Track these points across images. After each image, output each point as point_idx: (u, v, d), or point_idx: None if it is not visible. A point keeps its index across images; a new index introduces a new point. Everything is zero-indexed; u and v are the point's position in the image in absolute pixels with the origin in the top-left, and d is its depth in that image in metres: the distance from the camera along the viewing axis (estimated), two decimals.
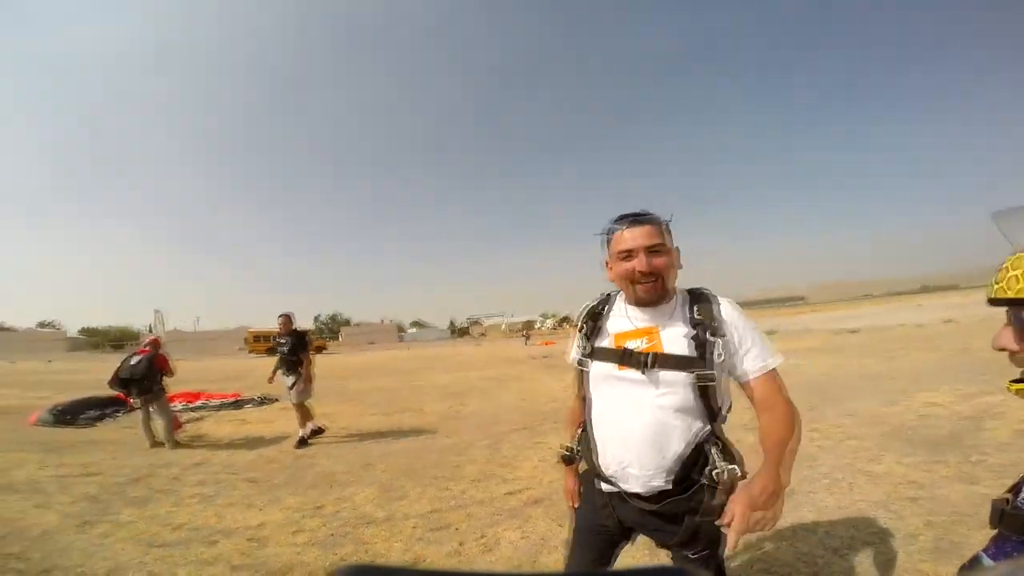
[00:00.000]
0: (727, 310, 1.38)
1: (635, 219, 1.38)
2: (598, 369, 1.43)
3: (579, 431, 1.57)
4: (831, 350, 13.01)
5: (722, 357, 1.32)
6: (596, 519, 1.49)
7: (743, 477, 1.31)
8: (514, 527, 3.23)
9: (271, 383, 6.61)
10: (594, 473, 1.44)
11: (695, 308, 1.37)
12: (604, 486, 1.43)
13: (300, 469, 4.90)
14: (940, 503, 3.09)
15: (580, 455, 1.55)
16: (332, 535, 3.21)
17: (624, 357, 1.36)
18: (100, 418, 8.27)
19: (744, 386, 1.37)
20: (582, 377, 1.50)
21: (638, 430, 1.33)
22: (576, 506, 1.62)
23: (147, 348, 6.45)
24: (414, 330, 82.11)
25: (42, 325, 69.46)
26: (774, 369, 1.36)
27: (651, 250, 1.34)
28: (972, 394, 5.92)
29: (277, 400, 9.99)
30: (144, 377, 6.08)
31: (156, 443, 6.07)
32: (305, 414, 6.13)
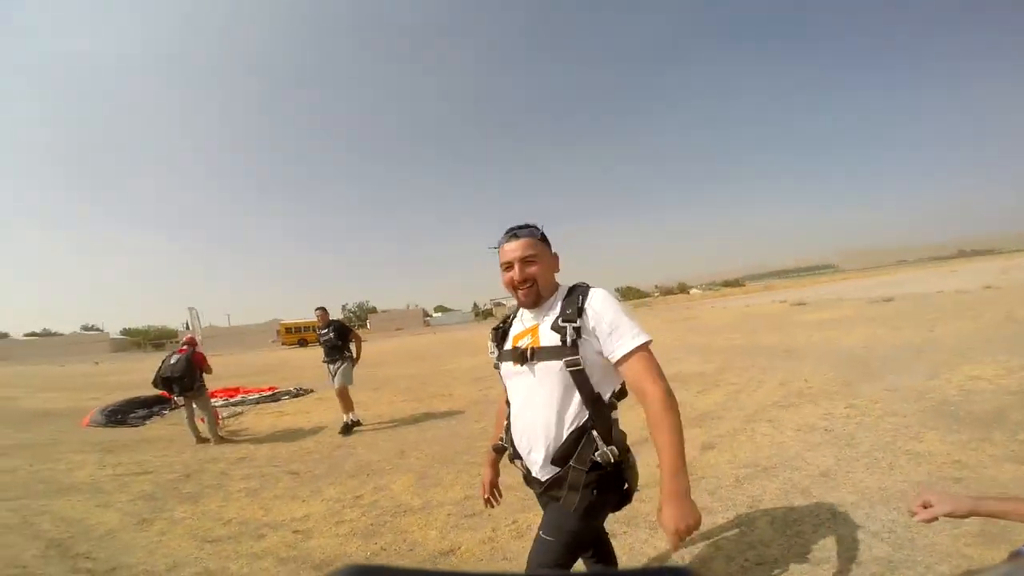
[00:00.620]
0: (592, 299, 1.49)
1: (513, 234, 1.58)
2: (505, 369, 1.63)
3: (505, 424, 1.70)
4: (865, 320, 12.65)
5: (585, 341, 1.44)
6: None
7: (621, 459, 1.45)
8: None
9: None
10: (515, 460, 1.62)
11: (565, 302, 1.52)
12: (525, 471, 1.59)
13: (339, 459, 5.06)
14: (986, 484, 3.01)
15: (505, 445, 1.69)
16: (372, 525, 3.33)
17: (515, 354, 1.55)
18: (148, 417, 8.63)
19: (618, 371, 1.46)
20: (500, 377, 1.70)
21: (531, 418, 1.52)
22: (488, 497, 1.91)
23: (184, 347, 6.68)
24: (439, 315, 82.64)
25: (85, 328, 72.35)
26: (641, 350, 1.41)
27: (525, 260, 1.54)
28: (1019, 367, 5.71)
29: (312, 391, 10.30)
30: (184, 375, 6.31)
31: (202, 439, 6.32)
32: (348, 401, 6.38)
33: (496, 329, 1.75)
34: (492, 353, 1.72)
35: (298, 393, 10.23)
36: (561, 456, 1.46)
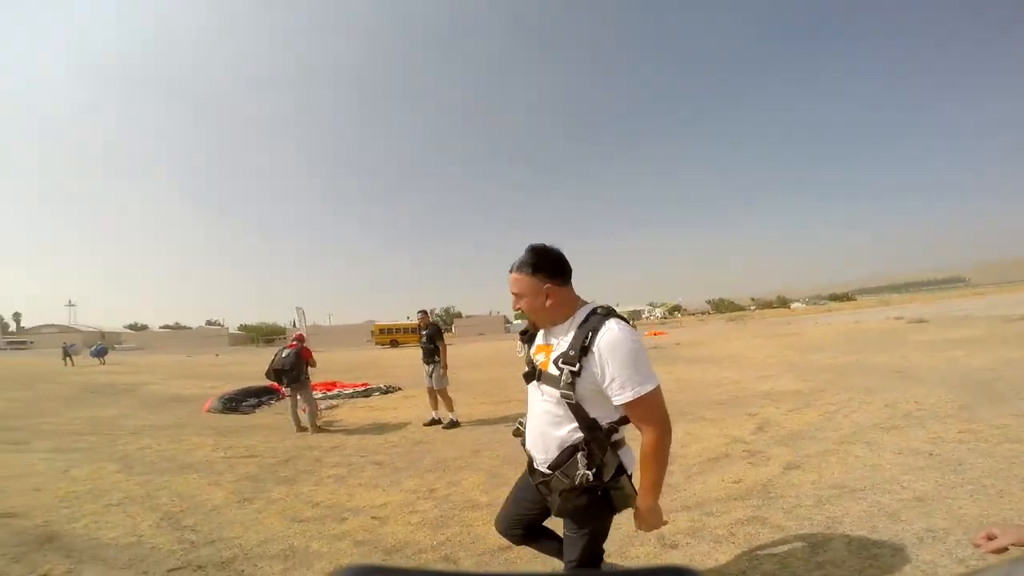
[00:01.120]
0: (600, 340, 1.53)
1: (512, 268, 1.71)
2: (526, 372, 1.81)
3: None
4: (997, 341, 11.19)
5: (581, 382, 1.55)
6: (528, 479, 1.89)
7: (603, 483, 1.58)
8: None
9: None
10: (524, 448, 1.87)
11: (575, 337, 1.58)
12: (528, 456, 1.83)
13: (419, 454, 5.31)
14: None
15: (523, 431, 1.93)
16: (441, 517, 3.48)
17: (528, 368, 1.78)
18: (258, 405, 9.52)
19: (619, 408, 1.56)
20: None
21: (535, 425, 1.76)
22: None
23: (294, 343, 7.31)
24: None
25: (209, 323, 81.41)
26: (640, 400, 1.48)
27: (514, 296, 1.72)
28: None
29: (400, 389, 10.84)
30: (292, 368, 6.88)
31: (301, 428, 6.88)
32: (448, 400, 6.79)
33: (523, 333, 1.92)
34: (520, 351, 1.98)
35: (387, 390, 10.83)
36: (554, 465, 1.65)
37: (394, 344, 44.94)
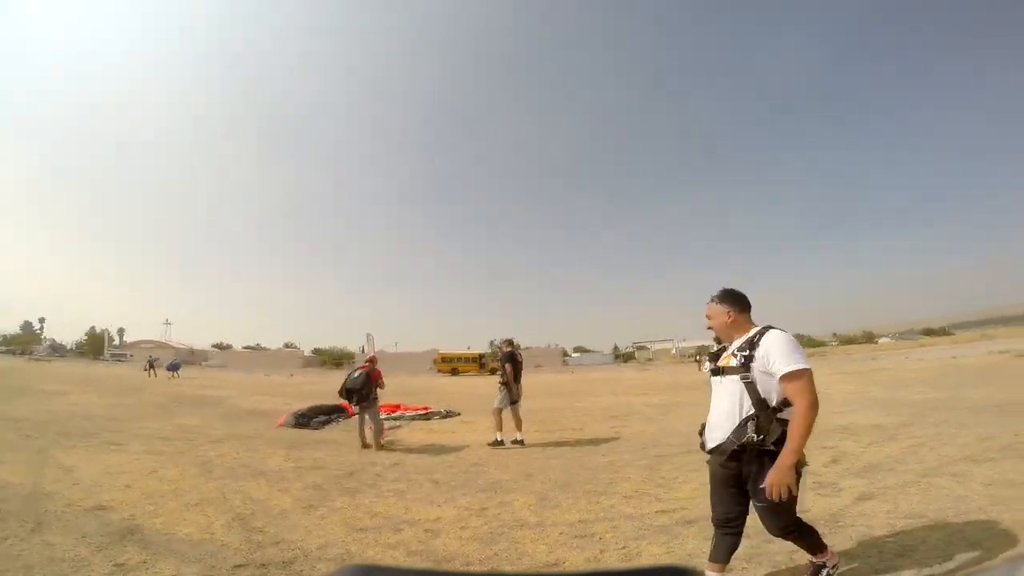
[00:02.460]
0: (764, 338, 2.24)
1: (710, 300, 2.53)
2: (712, 379, 2.47)
3: None
4: None
5: (755, 367, 2.19)
6: (709, 468, 2.50)
7: (761, 444, 2.15)
8: (660, 542, 3.19)
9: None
10: (701, 442, 2.50)
11: (747, 340, 2.30)
12: (703, 447, 2.46)
13: (473, 475, 5.36)
14: None
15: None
16: (490, 533, 3.51)
17: (715, 370, 2.42)
18: (327, 422, 9.96)
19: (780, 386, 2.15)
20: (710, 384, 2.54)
21: (717, 411, 2.36)
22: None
23: (366, 364, 7.68)
24: (578, 355, 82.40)
25: (287, 345, 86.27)
26: (792, 375, 2.07)
27: (708, 318, 2.53)
28: None
29: (459, 414, 10.99)
30: (363, 387, 7.24)
31: (366, 445, 7.14)
32: (519, 421, 7.22)
33: (711, 353, 2.58)
34: (705, 368, 2.62)
35: (447, 415, 11.02)
36: (734, 437, 2.20)
37: (455, 372, 45.66)
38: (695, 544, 3.12)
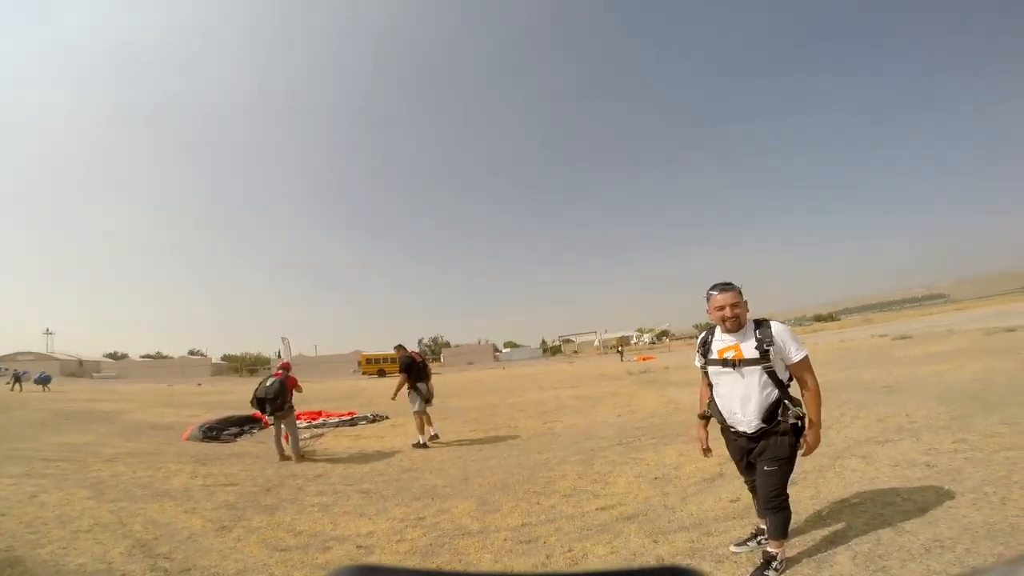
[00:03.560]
0: (775, 329, 2.58)
1: (724, 288, 2.66)
2: (712, 368, 2.74)
3: (708, 402, 2.84)
4: (982, 352, 11.38)
5: (775, 356, 2.52)
6: (733, 446, 2.77)
7: (802, 415, 2.53)
8: (603, 542, 3.17)
9: (394, 400, 7.71)
10: (722, 423, 2.74)
11: (758, 331, 2.58)
12: (729, 428, 2.70)
13: (406, 482, 5.12)
14: None
15: (711, 414, 2.83)
16: (431, 544, 3.33)
17: (724, 362, 2.65)
18: (239, 434, 9.21)
19: (788, 368, 2.57)
20: (706, 373, 2.83)
21: (735, 400, 2.62)
22: (705, 448, 2.95)
23: (279, 371, 7.13)
24: (508, 350, 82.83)
25: (192, 353, 79.96)
26: (804, 357, 2.54)
27: (734, 306, 2.61)
28: None
29: (387, 418, 10.58)
30: (277, 396, 6.70)
31: (284, 457, 6.64)
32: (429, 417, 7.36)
33: (703, 343, 2.83)
34: (698, 361, 2.85)
35: (374, 419, 10.55)
36: (767, 418, 2.51)
37: (381, 374, 44.22)
38: (638, 542, 3.11)
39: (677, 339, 76.56)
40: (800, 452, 2.53)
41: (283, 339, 23.27)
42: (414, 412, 7.25)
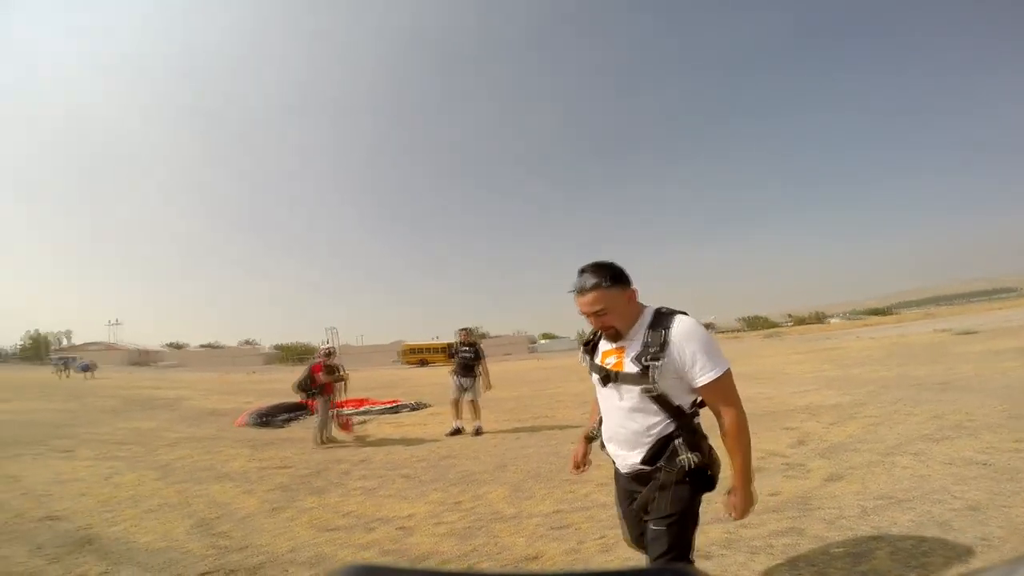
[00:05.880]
0: (675, 331, 1.63)
1: (579, 291, 1.71)
2: (594, 378, 1.88)
3: (598, 419, 2.00)
4: None
5: (663, 374, 1.62)
6: (616, 486, 1.99)
7: (703, 464, 1.66)
8: None
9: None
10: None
11: (651, 334, 1.66)
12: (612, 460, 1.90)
13: (445, 468, 5.31)
14: None
15: (596, 436, 2.04)
16: (467, 528, 3.48)
17: (601, 373, 1.80)
18: (289, 420, 9.71)
19: (695, 391, 1.68)
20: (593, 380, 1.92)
21: (617, 424, 1.79)
22: (577, 464, 2.17)
23: (320, 359, 7.53)
24: (544, 341, 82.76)
25: (245, 343, 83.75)
26: (717, 380, 1.60)
27: (598, 314, 1.69)
28: None
29: (429, 406, 10.90)
30: (302, 381, 7.30)
31: (322, 442, 7.00)
32: (478, 409, 7.38)
33: (586, 343, 1.96)
34: (583, 362, 1.95)
35: (416, 407, 10.90)
36: (649, 459, 1.70)
37: (423, 363, 45.18)
38: None
39: (720, 332, 74.79)
40: (730, 515, 1.71)
41: (329, 329, 24.05)
42: (450, 399, 7.54)
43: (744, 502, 1.67)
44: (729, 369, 1.62)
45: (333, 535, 3.46)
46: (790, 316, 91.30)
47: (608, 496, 3.98)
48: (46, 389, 18.58)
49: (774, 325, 78.65)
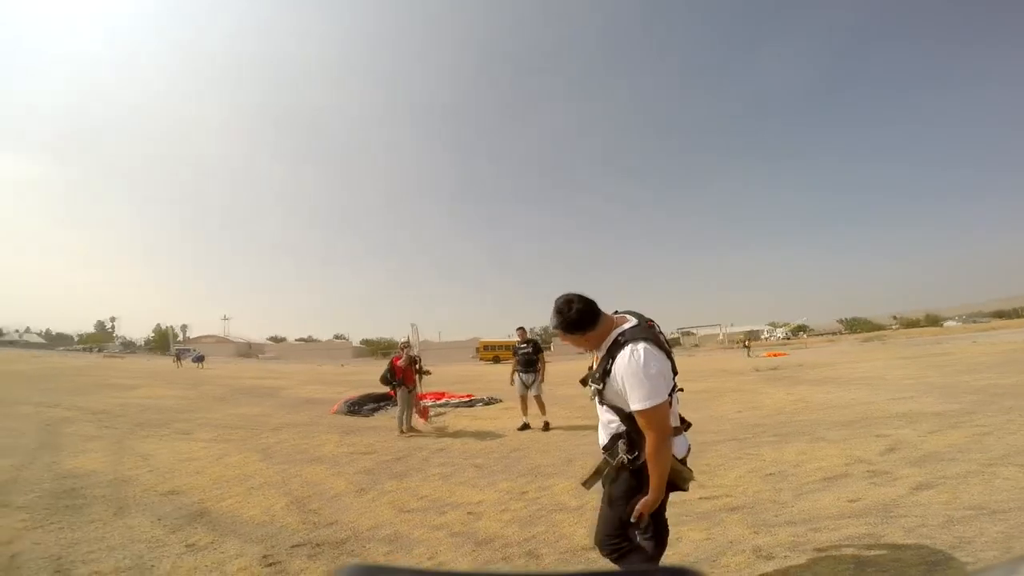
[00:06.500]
0: (617, 363, 1.91)
1: (558, 333, 2.11)
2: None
3: None
4: None
5: (608, 391, 1.98)
6: None
7: (636, 463, 1.95)
8: (700, 528, 3.23)
9: (512, 384, 8.01)
10: None
11: (606, 357, 1.98)
12: None
13: (514, 460, 5.52)
14: None
15: None
16: (530, 516, 3.64)
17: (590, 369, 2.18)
18: (376, 410, 10.38)
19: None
20: None
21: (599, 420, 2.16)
22: None
23: (400, 353, 8.04)
24: None
25: (337, 337, 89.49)
26: (643, 410, 1.83)
27: (571, 342, 2.10)
28: None
29: (501, 401, 11.20)
30: (384, 374, 7.82)
31: (402, 431, 7.47)
32: (543, 405, 7.55)
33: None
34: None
35: (490, 401, 11.27)
36: (605, 447, 2.09)
37: (496, 360, 46.14)
38: (737, 531, 3.14)
39: (816, 335, 69.64)
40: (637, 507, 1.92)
41: (412, 325, 25.18)
42: (517, 396, 7.86)
43: (646, 507, 1.90)
44: (659, 404, 1.83)
45: (409, 516, 3.76)
46: (896, 318, 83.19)
47: (676, 494, 3.99)
48: (168, 377, 20.94)
49: (878, 328, 71.95)
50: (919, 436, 5.40)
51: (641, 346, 1.89)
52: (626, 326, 2.01)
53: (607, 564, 2.08)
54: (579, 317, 2.00)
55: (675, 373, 2.05)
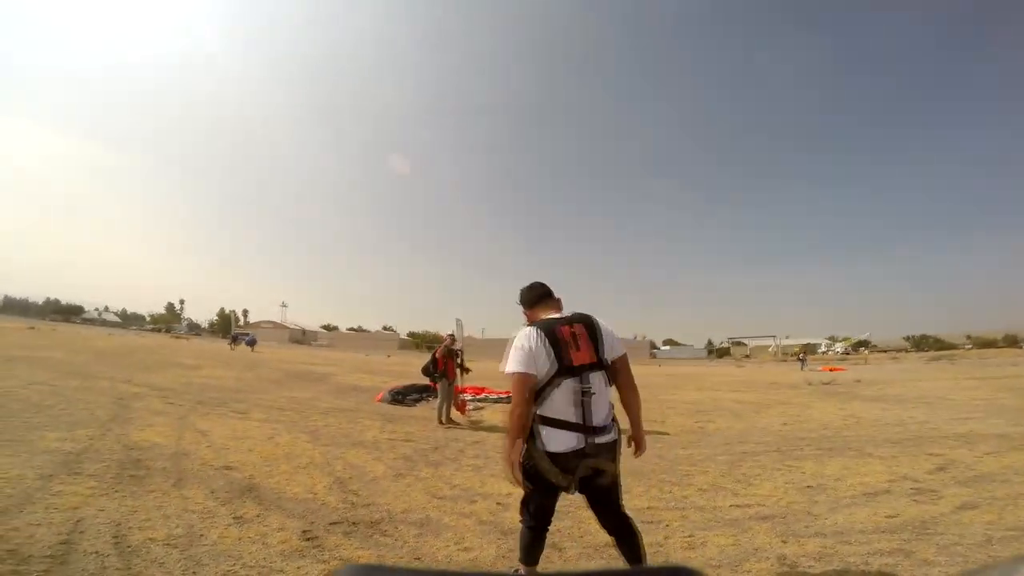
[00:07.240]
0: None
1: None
2: None
3: None
4: None
5: None
6: None
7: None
8: (728, 535, 3.20)
9: None
10: None
11: None
12: None
13: None
14: None
15: None
16: (557, 511, 3.67)
17: None
18: (418, 400, 10.71)
19: None
20: None
21: None
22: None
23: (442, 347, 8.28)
24: (667, 348, 79.60)
25: (385, 328, 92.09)
26: (506, 374, 2.16)
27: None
28: None
29: None
30: (427, 366, 8.16)
31: (440, 422, 7.67)
32: None
33: None
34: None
35: None
36: None
37: None
38: (764, 540, 3.10)
39: (880, 351, 65.72)
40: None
41: (456, 320, 25.60)
42: None
43: (505, 462, 2.17)
44: (511, 372, 2.13)
45: (441, 503, 3.90)
46: (970, 337, 77.46)
47: (707, 500, 3.97)
48: (226, 359, 22.15)
49: (951, 346, 67.21)
50: (975, 457, 5.11)
51: (528, 329, 2.22)
52: (549, 316, 2.33)
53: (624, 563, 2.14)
54: (521, 295, 2.49)
55: (576, 364, 2.17)
